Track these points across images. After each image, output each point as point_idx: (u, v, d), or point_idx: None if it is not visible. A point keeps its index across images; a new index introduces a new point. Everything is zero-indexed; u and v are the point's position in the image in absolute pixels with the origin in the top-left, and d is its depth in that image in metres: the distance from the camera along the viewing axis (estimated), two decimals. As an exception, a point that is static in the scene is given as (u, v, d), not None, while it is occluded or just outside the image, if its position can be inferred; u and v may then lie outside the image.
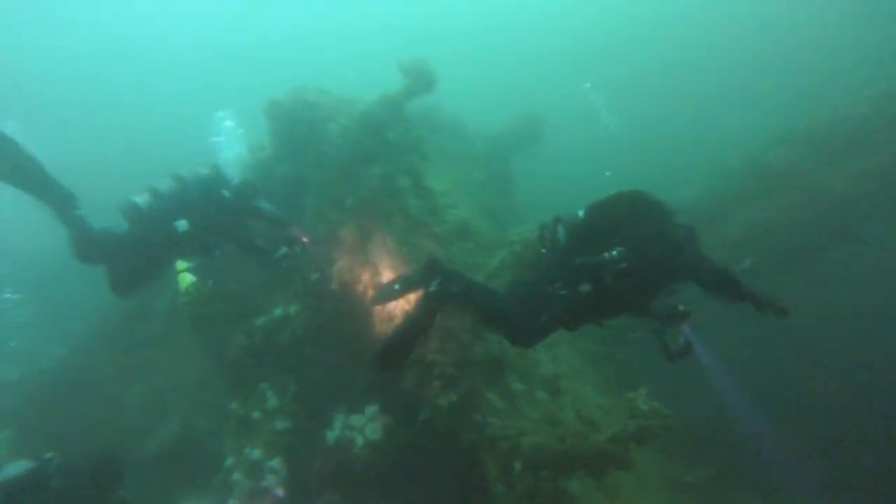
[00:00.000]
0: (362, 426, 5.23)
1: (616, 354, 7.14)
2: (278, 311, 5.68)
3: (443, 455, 4.96)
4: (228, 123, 6.44)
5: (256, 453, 5.45)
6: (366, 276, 5.14)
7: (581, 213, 3.29)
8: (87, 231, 4.25)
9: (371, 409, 5.27)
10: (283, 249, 4.99)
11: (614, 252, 2.96)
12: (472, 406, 4.52)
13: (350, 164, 5.64)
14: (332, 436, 5.38)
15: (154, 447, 6.71)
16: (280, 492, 5.11)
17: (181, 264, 4.76)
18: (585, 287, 3.04)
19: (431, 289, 3.19)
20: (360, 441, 5.18)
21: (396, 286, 3.42)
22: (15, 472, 3.39)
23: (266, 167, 6.60)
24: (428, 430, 4.67)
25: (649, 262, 2.97)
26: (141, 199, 4.53)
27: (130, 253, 4.43)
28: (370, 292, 5.14)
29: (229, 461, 5.60)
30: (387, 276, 5.22)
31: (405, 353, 3.26)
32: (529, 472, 4.13)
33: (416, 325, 3.25)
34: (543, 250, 3.48)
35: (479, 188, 9.23)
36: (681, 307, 2.99)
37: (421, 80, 5.46)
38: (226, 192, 4.80)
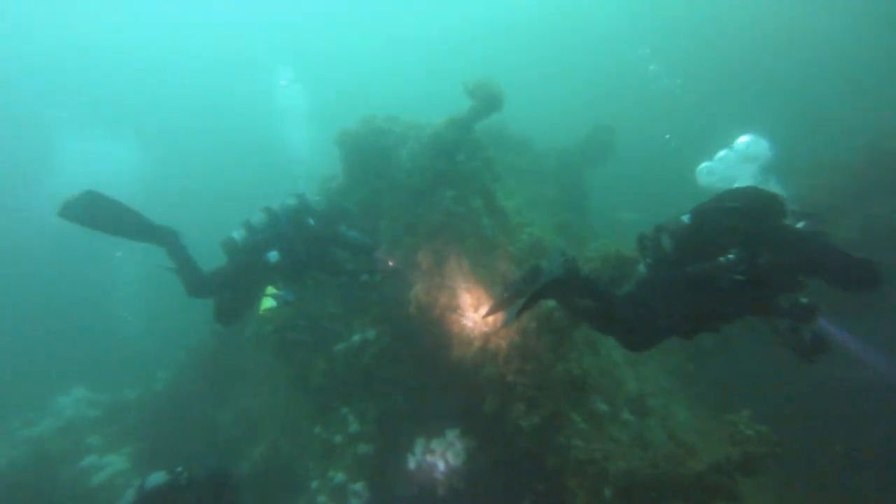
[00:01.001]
0: (444, 450, 5.32)
1: (706, 371, 6.69)
2: (357, 337, 5.97)
3: (527, 479, 4.91)
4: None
5: (340, 476, 5.68)
6: (443, 299, 5.29)
7: (686, 217, 3.13)
8: (194, 271, 4.81)
9: (452, 433, 5.35)
10: (365, 276, 5.28)
11: (731, 256, 2.82)
12: (555, 428, 4.47)
13: (422, 188, 5.89)
14: (413, 460, 5.52)
15: (247, 468, 7.19)
16: None
17: (270, 288, 5.06)
18: (701, 294, 2.92)
19: (561, 272, 3.12)
20: (441, 465, 5.27)
21: (509, 292, 3.40)
22: (156, 482, 3.94)
23: (340, 196, 7.02)
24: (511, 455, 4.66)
25: (769, 261, 2.79)
26: (237, 234, 5.03)
27: (231, 285, 4.93)
28: (447, 315, 5.27)
29: (315, 483, 5.89)
30: (464, 298, 5.35)
31: (501, 308, 3.39)
32: (621, 500, 3.98)
33: (525, 294, 3.22)
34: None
35: (552, 204, 9.20)
36: (804, 300, 2.78)
37: (489, 100, 5.63)
38: (311, 220, 5.16)
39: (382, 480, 5.68)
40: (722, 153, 3.51)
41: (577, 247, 7.74)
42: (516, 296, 3.36)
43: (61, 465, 7.78)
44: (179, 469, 4.05)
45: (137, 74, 31.02)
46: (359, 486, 5.69)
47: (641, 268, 3.41)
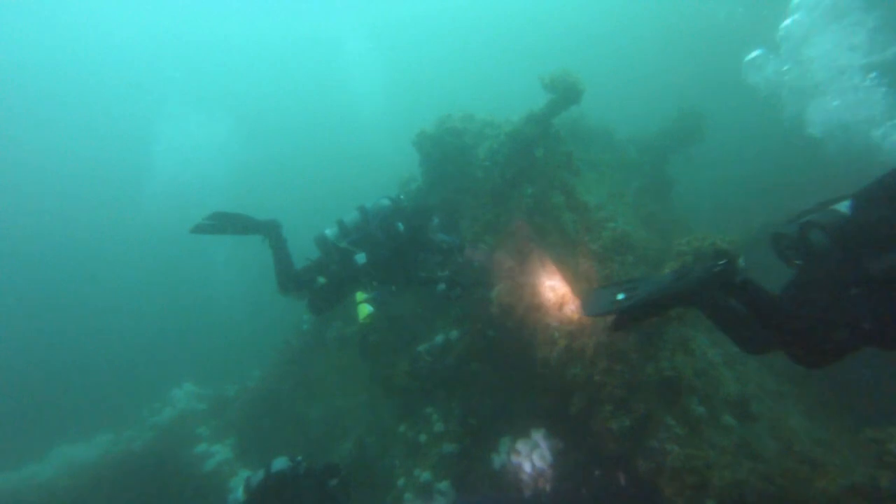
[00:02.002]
0: (529, 451, 5.35)
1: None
2: (440, 338, 6.17)
3: (617, 484, 4.81)
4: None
5: (426, 475, 5.90)
6: (526, 298, 5.33)
7: (844, 207, 2.67)
8: (287, 266, 5.22)
9: (538, 434, 5.37)
10: (443, 286, 5.27)
11: None
12: (647, 431, 4.35)
13: (501, 186, 5.96)
14: (498, 460, 5.60)
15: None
16: None
17: (360, 295, 5.25)
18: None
19: (716, 269, 2.84)
20: (527, 466, 5.30)
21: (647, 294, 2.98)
22: (279, 466, 4.48)
23: (419, 197, 7.28)
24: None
25: None
26: (330, 231, 5.32)
27: (320, 287, 5.25)
28: (531, 314, 5.30)
29: (401, 481, 6.15)
30: (547, 296, 5.35)
31: (641, 319, 3.09)
32: (728, 514, 3.78)
33: (672, 298, 2.94)
34: (795, 263, 2.85)
35: (636, 197, 8.88)
36: None
37: (568, 93, 5.59)
38: (400, 225, 5.28)
39: (467, 480, 5.82)
40: None
41: (665, 240, 7.43)
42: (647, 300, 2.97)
43: (179, 450, 8.76)
44: (299, 458, 4.54)
45: (236, 60, 33.56)
46: (444, 485, 5.87)
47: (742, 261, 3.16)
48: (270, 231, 5.35)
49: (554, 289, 5.36)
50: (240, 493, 4.46)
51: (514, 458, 5.43)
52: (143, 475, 8.73)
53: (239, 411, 9.71)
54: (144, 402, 10.05)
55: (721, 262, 2.90)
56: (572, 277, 5.45)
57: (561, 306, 5.25)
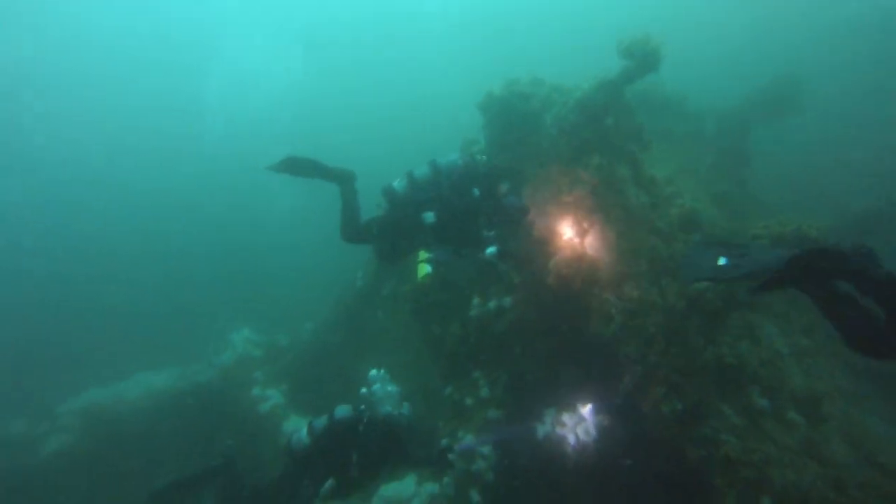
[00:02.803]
0: (574, 425, 5.44)
1: None
2: (492, 304, 6.25)
3: (664, 468, 4.83)
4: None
5: (469, 438, 6.12)
6: (584, 272, 5.29)
7: None
8: (354, 217, 5.17)
9: (584, 409, 5.44)
10: (493, 250, 5.07)
11: None
12: (700, 418, 4.32)
13: (567, 155, 5.85)
14: (542, 430, 5.73)
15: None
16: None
17: (423, 253, 5.15)
18: None
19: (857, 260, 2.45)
20: (571, 439, 5.41)
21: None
22: (342, 414, 4.61)
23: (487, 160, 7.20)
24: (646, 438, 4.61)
25: None
26: (399, 184, 5.12)
27: (385, 237, 5.14)
28: (588, 288, 5.27)
29: (444, 442, 6.42)
30: (606, 271, 5.29)
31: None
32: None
33: (788, 280, 2.57)
34: None
35: (709, 173, 8.47)
36: None
37: (646, 59, 5.32)
38: (476, 191, 4.99)
39: (510, 447, 6.00)
40: None
41: (739, 222, 7.10)
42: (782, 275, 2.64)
43: (237, 391, 9.51)
44: (362, 408, 4.63)
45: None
46: (486, 449, 6.09)
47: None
48: (345, 181, 5.29)
49: (614, 264, 5.30)
50: (304, 434, 4.59)
51: (559, 430, 5.53)
52: (207, 408, 9.57)
53: (292, 360, 10.34)
54: (208, 342, 10.89)
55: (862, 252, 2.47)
56: (634, 254, 5.35)
57: (620, 283, 5.19)
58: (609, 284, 5.15)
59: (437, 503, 6.41)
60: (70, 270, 22.82)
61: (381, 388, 5.09)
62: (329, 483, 4.34)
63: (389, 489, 6.72)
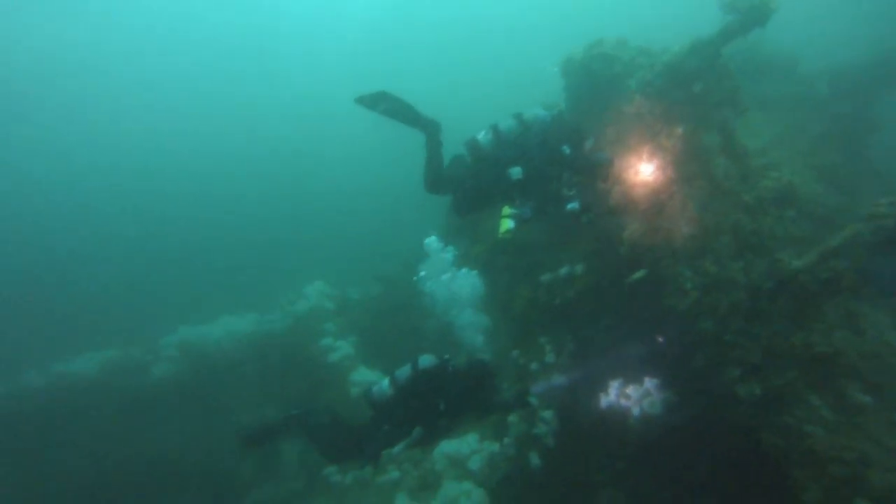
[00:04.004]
0: (640, 398, 5.50)
1: None
2: (564, 270, 6.32)
3: (735, 453, 4.81)
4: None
5: (532, 401, 6.35)
6: (660, 243, 5.22)
7: None
8: (438, 167, 5.19)
9: (651, 382, 5.46)
10: (576, 206, 5.01)
11: None
12: (782, 405, 4.23)
13: (651, 121, 5.68)
14: (605, 400, 5.84)
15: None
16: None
17: (506, 209, 5.03)
18: None
19: None
20: (635, 412, 5.48)
21: None
22: (427, 363, 4.61)
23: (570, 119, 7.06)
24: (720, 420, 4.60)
25: None
26: (484, 137, 5.08)
27: (469, 187, 5.11)
28: (663, 261, 5.21)
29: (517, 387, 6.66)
30: (683, 244, 5.19)
31: None
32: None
33: None
34: None
35: (815, 143, 7.82)
36: None
37: (752, 14, 4.94)
38: (566, 148, 4.89)
39: (571, 414, 6.17)
40: None
41: (848, 197, 6.62)
42: None
43: (309, 340, 10.31)
44: (447, 357, 4.66)
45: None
46: (548, 413, 6.30)
47: None
48: (431, 130, 5.22)
49: (693, 238, 5.17)
50: (386, 385, 4.62)
51: (623, 402, 5.62)
52: (282, 353, 10.48)
53: (362, 314, 11.00)
54: (284, 292, 11.79)
55: None
56: (716, 229, 5.18)
57: (698, 257, 5.07)
58: (685, 258, 5.05)
59: (496, 462, 6.79)
60: (178, 229, 25.67)
61: (437, 255, 5.21)
62: (416, 431, 4.42)
63: (450, 446, 7.17)
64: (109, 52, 28.97)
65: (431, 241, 5.47)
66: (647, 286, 5.36)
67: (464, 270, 5.35)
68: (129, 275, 22.46)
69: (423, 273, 5.38)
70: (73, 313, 18.69)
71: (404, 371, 4.57)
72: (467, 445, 7.06)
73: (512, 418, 6.66)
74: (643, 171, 5.66)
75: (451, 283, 5.36)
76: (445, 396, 4.41)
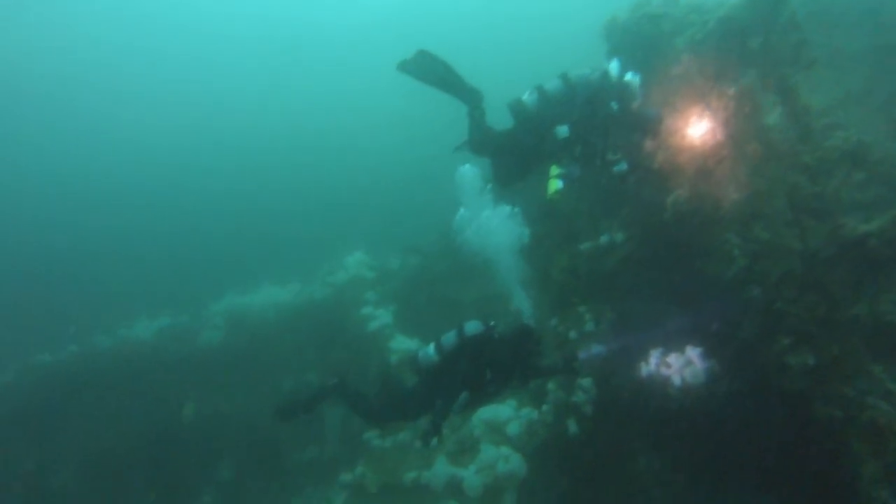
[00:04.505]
0: (681, 367, 5.42)
1: None
2: (604, 238, 6.23)
3: (782, 424, 4.70)
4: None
5: (557, 362, 6.34)
6: (707, 209, 5.06)
7: None
8: (482, 129, 5.08)
9: (693, 351, 5.37)
10: (623, 167, 4.88)
11: None
12: (837, 376, 4.08)
13: (699, 81, 5.44)
14: (645, 369, 5.79)
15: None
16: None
17: (555, 168, 4.92)
18: None
19: None
20: (676, 380, 5.42)
21: None
22: (473, 330, 4.50)
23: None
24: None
25: None
26: (529, 98, 4.97)
27: (513, 150, 5.02)
28: (709, 227, 5.06)
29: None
30: (731, 210, 5.00)
31: None
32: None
33: None
34: None
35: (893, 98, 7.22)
36: None
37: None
38: (615, 104, 4.76)
39: (610, 383, 6.16)
40: None
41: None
42: None
43: (349, 309, 10.61)
44: (493, 323, 4.57)
45: None
46: (587, 381, 6.30)
47: None
48: (474, 99, 5.13)
49: (742, 204, 4.97)
50: (431, 351, 4.61)
51: (664, 370, 5.55)
52: (322, 322, 10.84)
53: (401, 284, 11.20)
54: (324, 263, 12.12)
55: None
56: (769, 193, 4.96)
57: (748, 222, 4.89)
58: (734, 224, 4.87)
59: (534, 428, 6.89)
60: (226, 204, 27.15)
61: (472, 184, 5.14)
62: (463, 397, 4.42)
63: (489, 412, 7.31)
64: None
65: (466, 170, 5.30)
66: (691, 254, 5.23)
67: (506, 208, 5.26)
68: (181, 248, 23.87)
69: (462, 211, 5.32)
70: (133, 283, 20.19)
71: (450, 337, 4.54)
72: (506, 411, 7.19)
73: (551, 385, 6.71)
74: (690, 134, 5.46)
75: (491, 221, 5.26)
76: (491, 363, 4.40)
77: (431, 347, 4.62)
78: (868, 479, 3.75)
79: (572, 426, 6.18)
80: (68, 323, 12.34)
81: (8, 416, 9.46)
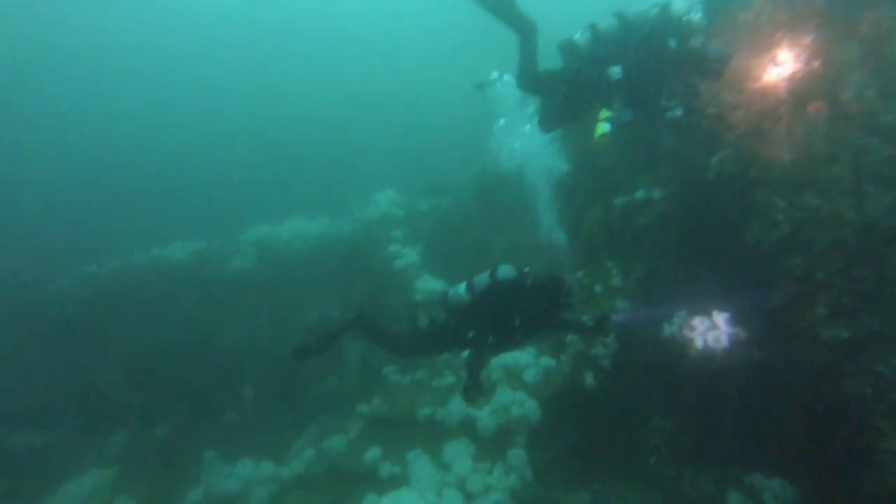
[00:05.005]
0: (706, 330, 5.35)
1: None
2: (640, 194, 6.03)
3: (804, 396, 4.64)
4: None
5: (588, 320, 6.35)
6: (754, 171, 4.79)
7: None
8: (532, 65, 4.89)
9: (720, 316, 5.28)
10: (679, 112, 4.62)
11: None
12: (871, 351, 3.96)
13: (767, 33, 5.01)
14: (668, 329, 5.74)
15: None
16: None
17: (604, 112, 4.67)
18: None
19: None
20: (698, 343, 5.37)
21: None
22: (506, 274, 4.45)
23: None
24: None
25: None
26: (581, 37, 4.76)
27: (561, 92, 4.83)
28: (754, 189, 4.81)
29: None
30: (783, 173, 4.72)
31: None
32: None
33: None
34: None
35: None
36: None
37: None
38: (673, 41, 4.49)
39: (632, 340, 6.15)
40: None
41: None
42: None
43: (376, 245, 10.74)
44: (526, 269, 4.51)
45: None
46: (609, 337, 6.31)
47: None
48: (526, 31, 4.91)
49: (795, 167, 4.69)
50: (462, 290, 4.62)
51: (687, 332, 5.49)
52: (349, 256, 11.03)
53: (430, 225, 11.22)
54: (354, 199, 12.19)
55: None
56: (831, 157, 4.63)
57: (799, 187, 4.62)
58: (783, 188, 4.61)
59: (551, 376, 7.01)
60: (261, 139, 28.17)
61: (514, 94, 5.08)
62: (490, 340, 4.44)
63: (507, 357, 7.44)
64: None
65: (508, 79, 5.14)
66: (730, 217, 5.02)
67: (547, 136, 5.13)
68: (218, 176, 24.67)
69: (501, 122, 5.17)
70: (170, 206, 21.04)
71: (482, 278, 4.51)
72: (525, 358, 7.31)
73: (571, 336, 6.74)
74: (748, 89, 5.09)
75: (532, 141, 5.11)
76: (521, 310, 4.36)
77: (462, 287, 4.62)
78: (888, 453, 3.71)
79: (589, 378, 6.26)
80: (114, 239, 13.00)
81: (62, 318, 10.19)
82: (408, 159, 19.54)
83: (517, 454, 6.50)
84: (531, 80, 4.91)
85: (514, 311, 4.38)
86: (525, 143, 5.27)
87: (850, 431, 4.03)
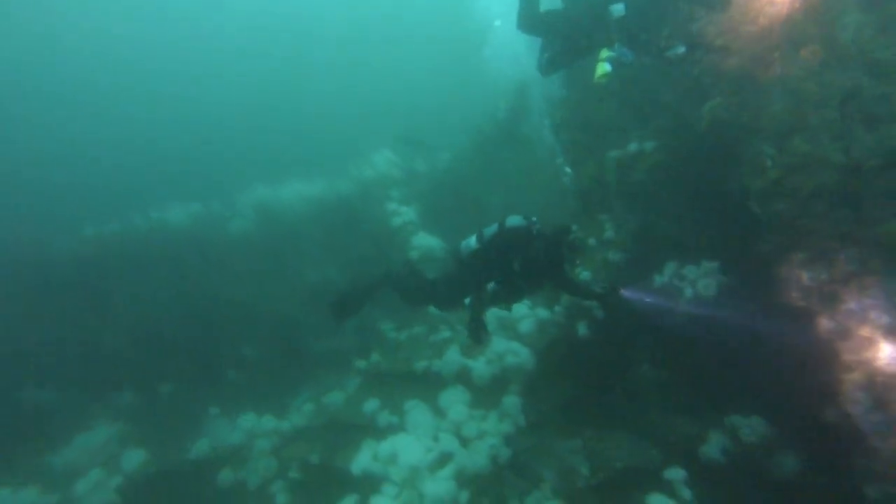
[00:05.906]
0: (695, 279, 5.52)
1: None
2: (633, 146, 6.09)
3: (789, 338, 4.80)
4: None
5: (586, 274, 6.52)
6: (745, 119, 4.82)
7: None
8: (533, 7, 4.96)
9: (710, 265, 5.43)
10: (682, 49, 4.64)
11: None
12: (844, 291, 4.13)
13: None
14: (659, 280, 5.91)
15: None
16: None
17: (605, 52, 4.69)
18: None
19: None
20: (688, 291, 5.54)
21: None
22: (514, 223, 4.70)
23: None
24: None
25: None
26: None
27: (562, 32, 4.90)
28: (746, 138, 4.87)
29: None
30: (773, 120, 4.76)
31: None
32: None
33: None
34: None
35: None
36: None
37: None
38: None
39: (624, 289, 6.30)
40: None
41: None
42: None
43: (374, 204, 10.85)
44: (534, 219, 4.72)
45: None
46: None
47: None
48: None
49: (786, 113, 4.72)
50: (473, 240, 4.84)
51: (677, 282, 5.66)
52: (347, 216, 11.15)
53: (427, 184, 11.31)
54: (350, 158, 12.22)
55: None
56: (821, 101, 4.65)
57: (789, 134, 4.68)
58: (773, 135, 4.67)
59: (545, 327, 7.23)
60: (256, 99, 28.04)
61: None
62: (491, 286, 4.67)
63: (502, 310, 7.63)
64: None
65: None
66: (721, 166, 5.09)
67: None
68: (216, 136, 24.68)
69: (498, 23, 5.22)
70: (168, 168, 21.03)
71: (491, 228, 4.75)
72: (520, 310, 7.52)
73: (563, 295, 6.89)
74: (739, 35, 5.06)
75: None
76: (524, 256, 4.54)
77: (474, 237, 4.84)
78: (850, 383, 3.92)
79: (582, 328, 6.46)
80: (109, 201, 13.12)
81: (64, 281, 10.40)
82: (404, 121, 19.53)
83: (511, 401, 6.77)
84: (531, 20, 4.94)
85: (519, 258, 4.57)
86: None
87: (818, 366, 4.22)
